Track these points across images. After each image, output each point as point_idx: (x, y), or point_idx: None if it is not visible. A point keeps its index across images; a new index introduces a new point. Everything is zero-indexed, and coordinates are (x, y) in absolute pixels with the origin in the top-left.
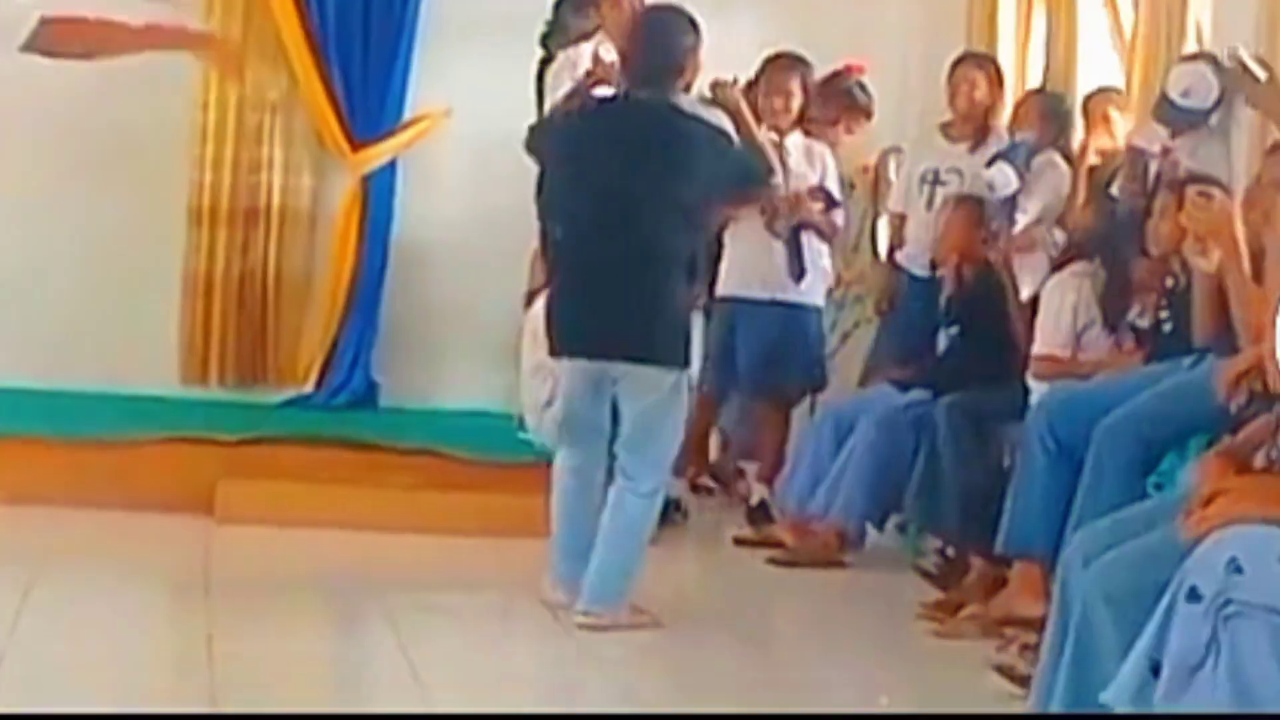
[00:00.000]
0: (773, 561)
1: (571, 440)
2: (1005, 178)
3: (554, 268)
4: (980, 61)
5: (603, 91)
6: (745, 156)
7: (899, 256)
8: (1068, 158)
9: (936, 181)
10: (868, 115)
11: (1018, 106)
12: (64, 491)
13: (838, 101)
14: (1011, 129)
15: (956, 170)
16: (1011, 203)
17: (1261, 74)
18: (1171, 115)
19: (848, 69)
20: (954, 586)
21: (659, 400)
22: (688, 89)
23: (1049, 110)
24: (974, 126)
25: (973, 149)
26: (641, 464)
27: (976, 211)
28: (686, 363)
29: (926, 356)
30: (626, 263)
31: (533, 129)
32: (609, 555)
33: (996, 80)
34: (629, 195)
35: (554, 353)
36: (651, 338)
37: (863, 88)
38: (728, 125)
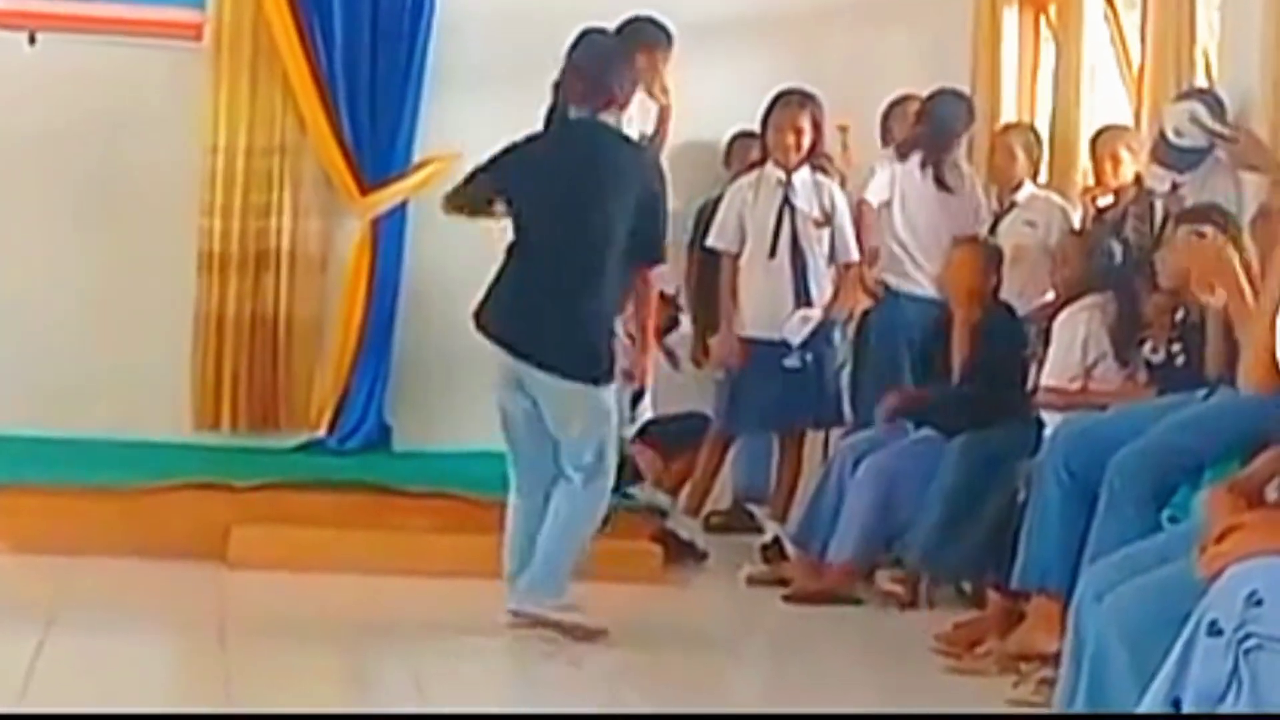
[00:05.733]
0: (788, 599)
1: (510, 447)
2: None
3: (506, 258)
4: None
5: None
6: (660, 223)
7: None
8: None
9: None
10: None
11: (993, 141)
12: (77, 540)
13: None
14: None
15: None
16: None
17: (1231, 134)
18: (1170, 156)
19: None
20: (970, 622)
21: (568, 407)
22: (623, 107)
23: (1024, 143)
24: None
25: None
26: (568, 460)
27: (981, 251)
28: (598, 380)
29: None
30: (557, 270)
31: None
32: (545, 548)
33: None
34: (567, 206)
35: (477, 325)
36: (559, 349)
37: None
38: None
